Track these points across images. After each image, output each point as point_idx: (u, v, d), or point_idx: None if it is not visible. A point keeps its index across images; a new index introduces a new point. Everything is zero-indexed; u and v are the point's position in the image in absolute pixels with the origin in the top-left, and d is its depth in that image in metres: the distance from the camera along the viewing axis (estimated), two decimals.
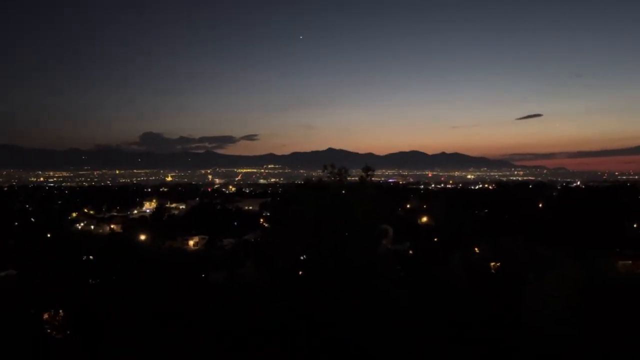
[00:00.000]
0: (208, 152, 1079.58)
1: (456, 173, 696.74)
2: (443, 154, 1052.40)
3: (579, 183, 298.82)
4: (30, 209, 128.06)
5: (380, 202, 28.76)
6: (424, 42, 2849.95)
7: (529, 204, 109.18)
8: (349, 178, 26.71)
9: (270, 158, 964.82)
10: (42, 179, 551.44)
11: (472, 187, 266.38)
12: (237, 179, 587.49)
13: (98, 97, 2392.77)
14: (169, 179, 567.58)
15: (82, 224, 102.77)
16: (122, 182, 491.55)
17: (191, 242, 70.99)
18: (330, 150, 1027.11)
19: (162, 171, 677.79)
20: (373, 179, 27.82)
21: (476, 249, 46.10)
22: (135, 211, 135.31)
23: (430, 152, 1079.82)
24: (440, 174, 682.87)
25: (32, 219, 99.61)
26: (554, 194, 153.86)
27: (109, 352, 21.02)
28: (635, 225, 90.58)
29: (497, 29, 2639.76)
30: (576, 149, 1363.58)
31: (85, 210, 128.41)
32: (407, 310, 21.32)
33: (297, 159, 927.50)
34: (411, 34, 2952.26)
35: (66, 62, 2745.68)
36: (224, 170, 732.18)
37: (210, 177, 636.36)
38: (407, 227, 70.83)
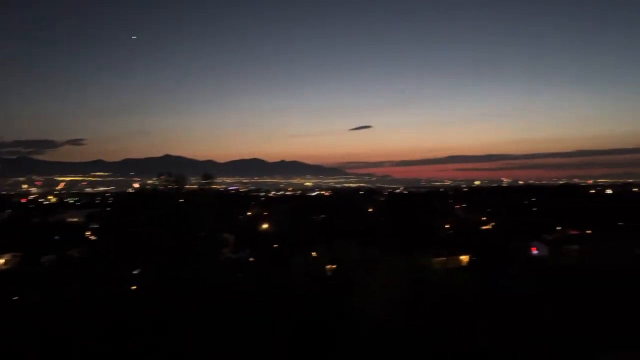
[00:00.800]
0: (22, 158, 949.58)
1: (295, 180, 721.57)
2: (282, 161, 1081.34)
3: (402, 189, 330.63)
4: None
5: (221, 210, 28.22)
6: (264, 51, 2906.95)
7: (360, 209, 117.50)
8: (187, 186, 25.67)
9: (99, 165, 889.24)
10: None
11: (310, 194, 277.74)
12: (58, 187, 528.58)
13: None
14: None
15: None
16: None
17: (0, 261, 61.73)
18: (167, 156, 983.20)
19: None
20: (213, 186, 27.17)
21: (314, 253, 47.96)
22: None
23: (270, 160, 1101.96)
24: (280, 181, 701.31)
25: None
26: (381, 199, 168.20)
27: None
28: (447, 227, 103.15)
29: (331, 44, 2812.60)
30: (400, 158, 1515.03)
31: None
32: (247, 317, 21.26)
33: (130, 165, 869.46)
34: (251, 41, 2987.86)
35: None
36: (42, 178, 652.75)
37: (25, 186, 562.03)
38: (249, 235, 70.90)
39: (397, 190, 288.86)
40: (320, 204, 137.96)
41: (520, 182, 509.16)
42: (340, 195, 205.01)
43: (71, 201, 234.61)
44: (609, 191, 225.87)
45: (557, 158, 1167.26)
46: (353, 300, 20.86)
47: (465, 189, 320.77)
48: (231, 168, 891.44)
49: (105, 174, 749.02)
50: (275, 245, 62.39)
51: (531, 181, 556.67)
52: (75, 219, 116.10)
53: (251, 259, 53.44)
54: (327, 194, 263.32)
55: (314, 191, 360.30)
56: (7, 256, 62.77)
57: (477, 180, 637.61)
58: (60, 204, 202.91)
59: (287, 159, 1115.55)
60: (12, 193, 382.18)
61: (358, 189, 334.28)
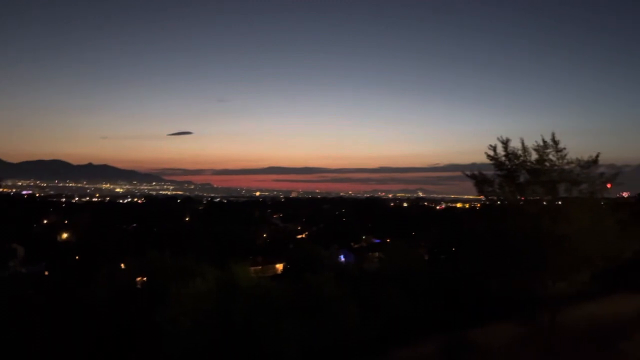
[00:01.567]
0: None
1: (104, 186, 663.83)
2: (90, 164, 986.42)
3: (220, 199, 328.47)
4: None
5: (8, 217, 24.43)
6: (70, 44, 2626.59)
7: (177, 218, 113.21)
8: None
9: None
10: None
11: (121, 201, 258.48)
12: None
13: None
14: None
15: None
16: None
17: None
18: None
19: None
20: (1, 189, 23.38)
21: (123, 265, 44.87)
22: None
23: (75, 162, 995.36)
24: (87, 186, 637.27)
25: None
26: (200, 207, 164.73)
27: None
28: (264, 235, 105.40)
29: (150, 45, 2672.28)
30: (221, 167, 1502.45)
31: None
32: (35, 337, 18.70)
33: None
34: (57, 31, 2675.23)
35: None
36: None
37: None
38: (45, 246, 62.88)
39: (217, 199, 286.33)
40: (132, 212, 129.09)
41: (333, 194, 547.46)
42: (156, 203, 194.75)
43: None
44: (405, 204, 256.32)
45: (364, 173, 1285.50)
46: (163, 312, 19.89)
47: (282, 199, 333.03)
48: (26, 169, 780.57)
49: None
50: (77, 257, 56.35)
51: (342, 193, 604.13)
52: None
53: (47, 273, 47.36)
54: (140, 201, 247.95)
55: (126, 198, 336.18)
56: None
57: (294, 191, 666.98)
58: None
59: (96, 162, 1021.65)
60: None
61: (176, 196, 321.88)
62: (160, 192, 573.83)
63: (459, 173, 17.79)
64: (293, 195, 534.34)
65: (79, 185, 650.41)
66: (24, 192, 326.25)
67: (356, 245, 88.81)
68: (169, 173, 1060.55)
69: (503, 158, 15.78)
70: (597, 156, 15.06)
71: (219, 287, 21.15)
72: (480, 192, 16.52)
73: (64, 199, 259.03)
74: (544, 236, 14.06)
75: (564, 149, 15.07)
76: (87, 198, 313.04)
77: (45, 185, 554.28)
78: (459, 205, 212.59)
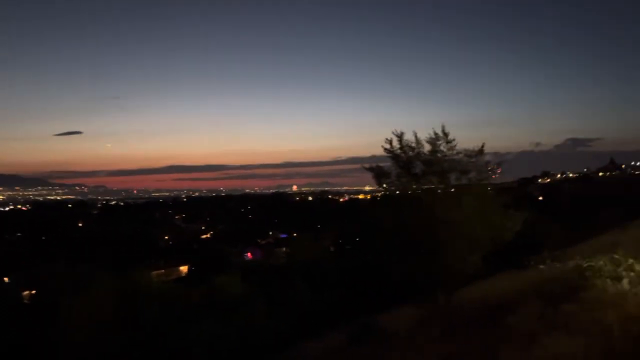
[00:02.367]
0: None
1: None
2: None
3: (117, 201, 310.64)
4: None
5: None
6: None
7: (69, 224, 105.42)
8: None
9: None
10: None
11: (2, 209, 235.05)
12: None
13: None
14: None
15: None
16: None
17: None
18: None
19: None
20: None
21: (6, 278, 41.49)
22: None
23: None
24: None
25: None
26: (95, 212, 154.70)
27: None
28: (166, 238, 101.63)
29: (30, 36, 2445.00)
30: (116, 168, 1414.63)
31: None
32: None
33: None
34: None
35: None
36: None
37: None
38: None
39: (113, 202, 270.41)
40: (15, 221, 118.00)
41: (237, 192, 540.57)
42: (43, 209, 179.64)
43: None
44: (310, 198, 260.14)
45: (269, 169, 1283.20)
46: (55, 326, 18.45)
47: (184, 199, 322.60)
48: None
49: None
50: None
51: (247, 190, 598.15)
52: None
53: None
54: (25, 208, 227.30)
55: (8, 205, 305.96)
56: None
57: (197, 190, 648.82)
58: None
59: None
60: None
61: (66, 201, 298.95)
62: (48, 197, 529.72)
63: (359, 165, 18.32)
64: (195, 194, 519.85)
65: None
66: None
67: (263, 242, 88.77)
68: (58, 176, 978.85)
69: (399, 150, 16.47)
70: (483, 146, 16.23)
71: (118, 295, 20.01)
72: (379, 184, 17.14)
73: None
74: (438, 222, 14.94)
75: (454, 140, 16.08)
76: None
77: None
78: (361, 196, 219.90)
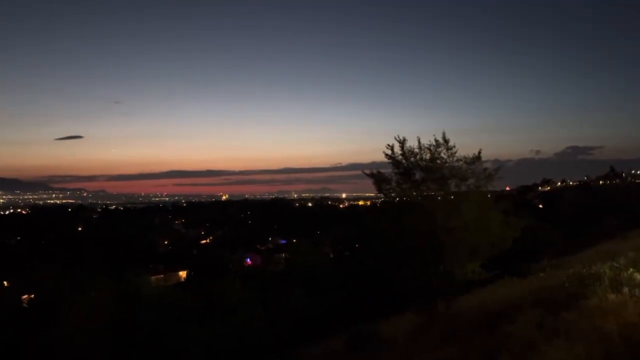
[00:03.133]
0: None
1: None
2: None
3: (117, 206, 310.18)
4: None
5: None
6: None
7: (69, 228, 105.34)
8: None
9: None
10: None
11: (2, 213, 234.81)
12: None
13: None
14: None
15: None
16: None
17: None
18: None
19: None
20: None
21: (5, 282, 41.43)
22: None
23: None
24: None
25: None
26: (94, 216, 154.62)
27: None
28: (166, 242, 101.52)
29: (33, 41, 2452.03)
30: (116, 172, 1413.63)
31: None
32: None
33: None
34: None
35: None
36: None
37: None
38: None
39: (113, 207, 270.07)
40: (15, 225, 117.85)
41: (237, 197, 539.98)
42: (43, 214, 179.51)
43: None
44: (309, 204, 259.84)
45: (268, 174, 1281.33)
46: (54, 330, 18.37)
47: (184, 204, 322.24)
48: None
49: None
50: None
51: (247, 196, 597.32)
52: None
53: None
54: (25, 212, 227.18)
55: (8, 210, 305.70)
56: None
57: (197, 195, 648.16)
58: None
59: None
60: None
61: (67, 205, 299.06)
62: (49, 201, 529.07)
63: (359, 172, 18.29)
64: (195, 199, 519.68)
65: None
66: None
67: (262, 247, 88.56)
68: (58, 180, 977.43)
69: (400, 157, 16.44)
70: (480, 152, 16.20)
71: (116, 300, 19.94)
72: (379, 190, 17.10)
73: None
74: (438, 229, 14.91)
75: (454, 146, 16.07)
76: None
77: None
78: (361, 203, 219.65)
